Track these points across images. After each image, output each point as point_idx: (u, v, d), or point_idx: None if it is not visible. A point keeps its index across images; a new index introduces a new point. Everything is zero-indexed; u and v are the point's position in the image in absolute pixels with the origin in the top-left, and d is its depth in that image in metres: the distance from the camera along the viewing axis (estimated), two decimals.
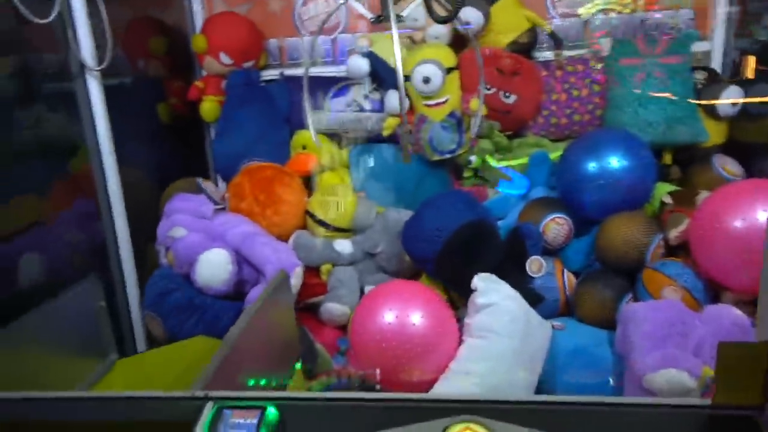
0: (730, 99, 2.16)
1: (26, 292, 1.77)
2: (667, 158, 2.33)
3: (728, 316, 1.49)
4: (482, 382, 1.45)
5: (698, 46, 2.33)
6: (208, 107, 2.38)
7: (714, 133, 2.26)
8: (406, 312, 1.56)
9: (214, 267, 1.77)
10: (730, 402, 0.78)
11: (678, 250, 1.88)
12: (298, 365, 1.56)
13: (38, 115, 2.15)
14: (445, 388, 1.47)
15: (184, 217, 1.84)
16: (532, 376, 1.57)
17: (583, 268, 2.04)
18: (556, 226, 1.99)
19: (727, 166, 2.20)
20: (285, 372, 1.47)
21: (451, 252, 1.83)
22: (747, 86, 2.20)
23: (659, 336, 1.41)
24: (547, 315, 1.94)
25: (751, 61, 2.38)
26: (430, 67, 2.18)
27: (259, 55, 2.46)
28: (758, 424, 0.77)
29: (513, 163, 2.35)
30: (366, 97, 2.37)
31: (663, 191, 2.10)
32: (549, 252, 2.05)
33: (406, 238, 1.93)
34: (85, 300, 1.58)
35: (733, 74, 2.38)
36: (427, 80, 2.19)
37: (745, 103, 2.19)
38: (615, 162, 1.97)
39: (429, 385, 1.54)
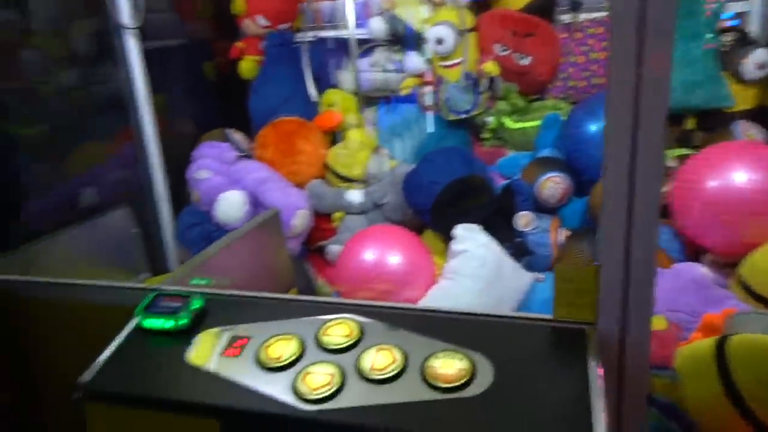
0: (756, 61, 2.07)
1: (85, 216, 2.13)
2: (690, 123, 2.28)
3: (689, 272, 1.52)
4: None
5: (735, 7, 2.23)
6: (247, 66, 2.62)
7: (741, 99, 2.18)
8: (385, 251, 1.72)
9: (231, 206, 2.01)
10: (567, 317, 0.89)
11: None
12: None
13: (106, 73, 2.50)
14: None
15: (209, 162, 2.09)
16: None
17: (580, 227, 2.09)
18: (552, 184, 2.04)
19: (749, 132, 2.12)
20: None
21: (443, 204, 1.95)
22: None
23: None
24: (540, 268, 2.02)
25: None
26: (442, 29, 2.27)
27: (294, 18, 2.65)
28: (588, 335, 0.87)
29: (528, 125, 2.40)
30: (388, 58, 2.50)
31: (674, 155, 2.08)
32: (547, 210, 2.11)
33: (406, 189, 2.08)
34: (119, 225, 1.88)
35: None
36: (440, 41, 2.29)
37: None
38: None
39: None
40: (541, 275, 1.92)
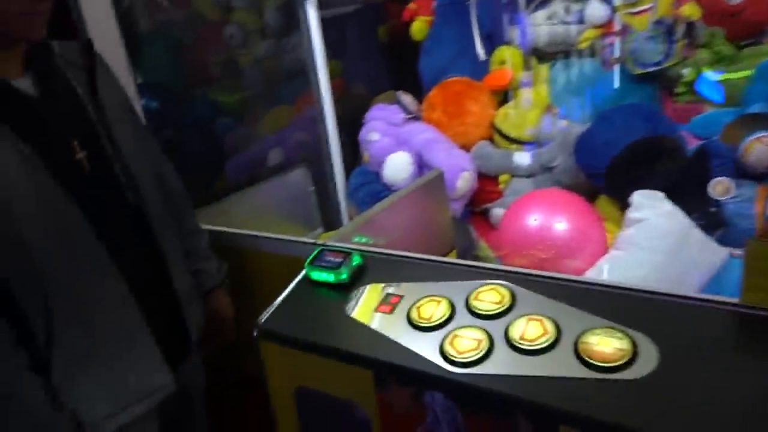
0: None
1: (271, 173, 2.38)
2: None
3: None
4: None
5: None
6: (418, 27, 2.62)
7: None
8: (550, 217, 1.64)
9: (397, 167, 2.07)
10: (758, 303, 0.76)
11: None
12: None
13: (291, 42, 2.71)
14: None
15: (379, 124, 2.17)
16: None
17: None
18: (761, 146, 1.74)
19: None
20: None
21: (620, 168, 1.78)
22: None
23: None
24: (738, 244, 1.76)
25: None
26: None
27: None
28: None
29: (735, 76, 2.06)
30: (566, 8, 2.30)
31: None
32: (755, 176, 1.81)
33: (578, 150, 1.93)
34: (298, 183, 2.05)
35: None
36: None
37: None
38: None
39: None
40: (738, 251, 1.66)
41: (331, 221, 2.23)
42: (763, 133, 1.74)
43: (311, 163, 2.26)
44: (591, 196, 2.07)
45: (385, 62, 2.86)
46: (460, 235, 1.94)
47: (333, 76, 2.81)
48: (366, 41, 2.81)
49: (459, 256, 1.87)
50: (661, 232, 1.53)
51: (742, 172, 1.80)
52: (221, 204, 2.00)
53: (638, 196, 1.62)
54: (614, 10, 2.18)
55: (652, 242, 1.52)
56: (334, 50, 2.80)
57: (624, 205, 1.91)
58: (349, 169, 2.32)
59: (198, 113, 2.86)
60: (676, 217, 1.57)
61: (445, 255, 1.77)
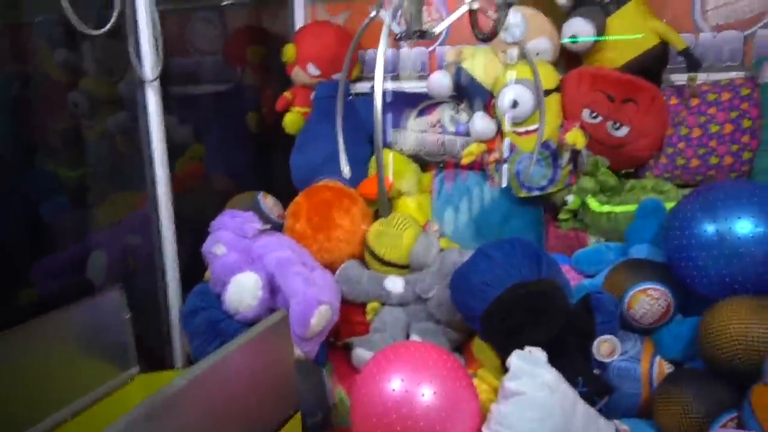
0: None
1: (90, 284, 1.91)
2: None
3: None
4: None
5: None
6: (291, 119, 2.34)
7: None
8: (414, 383, 1.32)
9: (242, 291, 1.69)
10: None
11: None
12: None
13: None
14: None
15: (228, 235, 1.79)
16: None
17: (683, 359, 1.58)
18: (647, 299, 1.56)
19: None
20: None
21: (497, 315, 1.52)
22: None
23: None
24: (622, 412, 1.54)
25: None
26: (519, 89, 1.86)
27: (350, 67, 2.34)
28: None
29: (619, 209, 1.92)
30: (451, 118, 2.12)
31: None
32: (640, 331, 1.62)
33: (453, 287, 1.66)
34: (110, 310, 1.60)
35: None
36: (515, 104, 1.88)
37: None
38: (744, 227, 1.47)
39: None
40: (625, 426, 1.43)
41: (157, 357, 1.79)
42: (650, 285, 1.57)
43: (139, 276, 1.83)
44: (469, 335, 1.80)
45: (256, 154, 2.53)
46: (309, 387, 1.57)
47: (194, 160, 2.43)
48: (236, 128, 2.47)
49: (305, 416, 1.49)
50: (541, 413, 1.25)
51: (627, 325, 1.62)
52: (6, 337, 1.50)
53: (516, 360, 1.35)
54: (499, 127, 2.01)
55: (531, 426, 1.24)
56: (198, 132, 2.44)
57: (503, 353, 1.66)
58: (191, 285, 1.90)
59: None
60: (559, 390, 1.31)
61: (285, 420, 1.39)
